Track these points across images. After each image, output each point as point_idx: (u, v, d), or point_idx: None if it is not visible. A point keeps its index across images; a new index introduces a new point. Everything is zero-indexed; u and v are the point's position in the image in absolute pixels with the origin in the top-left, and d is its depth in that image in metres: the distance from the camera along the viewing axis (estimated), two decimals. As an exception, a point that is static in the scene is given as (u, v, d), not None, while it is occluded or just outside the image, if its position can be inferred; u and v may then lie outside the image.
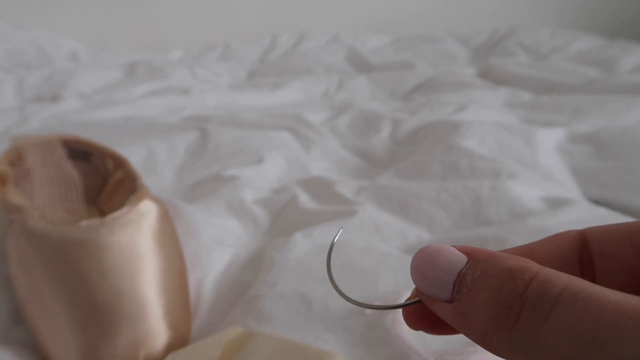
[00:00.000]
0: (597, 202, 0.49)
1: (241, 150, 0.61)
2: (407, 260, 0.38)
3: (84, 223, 0.34)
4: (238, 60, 1.20)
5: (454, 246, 0.16)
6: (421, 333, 0.31)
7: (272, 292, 0.35)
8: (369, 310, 0.33)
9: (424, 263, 0.16)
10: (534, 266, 0.14)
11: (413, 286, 0.18)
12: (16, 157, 0.45)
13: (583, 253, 0.18)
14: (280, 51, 1.25)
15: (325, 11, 1.53)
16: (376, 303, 0.33)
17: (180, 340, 0.32)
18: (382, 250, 0.39)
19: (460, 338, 0.31)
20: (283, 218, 0.47)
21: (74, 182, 0.44)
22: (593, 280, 0.17)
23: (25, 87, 0.88)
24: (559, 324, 0.13)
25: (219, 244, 0.42)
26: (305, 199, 0.49)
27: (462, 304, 0.15)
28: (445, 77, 0.95)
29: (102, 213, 0.46)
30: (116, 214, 0.35)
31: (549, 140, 0.60)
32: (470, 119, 0.65)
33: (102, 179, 0.48)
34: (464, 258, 0.16)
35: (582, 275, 0.18)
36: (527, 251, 0.18)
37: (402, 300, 0.18)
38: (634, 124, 0.64)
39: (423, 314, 0.17)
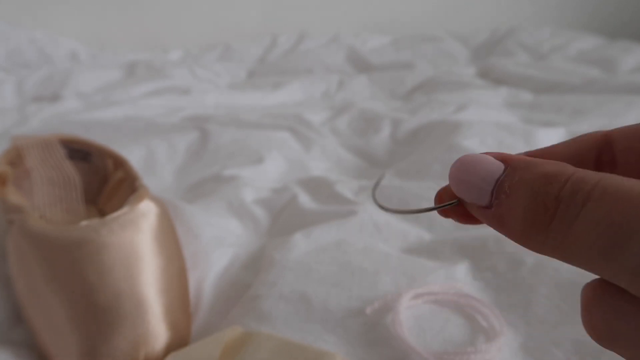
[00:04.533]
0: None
1: (241, 150, 0.61)
2: (407, 260, 0.38)
3: (83, 223, 0.34)
4: (238, 60, 1.20)
5: (489, 153, 0.17)
6: (421, 333, 0.31)
7: (272, 292, 0.35)
8: (368, 310, 0.32)
9: (461, 172, 0.17)
10: (569, 168, 0.15)
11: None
12: (16, 157, 0.45)
13: (604, 152, 0.18)
14: (280, 51, 1.25)
15: (325, 11, 1.53)
16: (376, 303, 0.33)
17: (180, 340, 0.32)
18: (382, 250, 0.39)
19: (460, 338, 0.31)
20: (283, 218, 0.47)
21: (74, 182, 0.44)
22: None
23: (25, 87, 0.88)
24: (589, 219, 0.13)
25: (219, 244, 0.42)
26: (305, 199, 0.49)
27: (501, 208, 0.16)
28: (445, 77, 0.95)
29: (102, 213, 0.46)
30: (116, 214, 0.35)
31: (549, 140, 0.60)
32: (470, 119, 0.65)
33: (102, 179, 0.48)
34: (501, 166, 0.16)
35: (601, 169, 0.18)
36: (546, 152, 0.19)
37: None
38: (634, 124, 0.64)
39: (456, 208, 0.18)
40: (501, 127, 0.62)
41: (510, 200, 0.15)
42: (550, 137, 0.60)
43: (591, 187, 0.14)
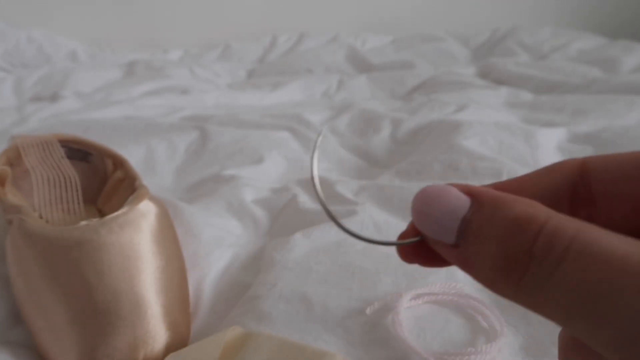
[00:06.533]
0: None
1: (241, 150, 0.61)
2: (408, 260, 0.38)
3: (83, 223, 0.34)
4: (238, 60, 1.20)
5: (456, 185, 0.16)
6: (421, 333, 0.31)
7: (272, 292, 0.35)
8: (368, 311, 0.32)
9: (425, 207, 0.16)
10: (541, 213, 0.13)
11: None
12: (15, 156, 0.45)
13: (580, 185, 0.17)
14: (280, 51, 1.25)
15: (325, 11, 1.53)
16: (376, 303, 0.33)
17: (179, 340, 0.32)
18: (382, 251, 0.39)
19: (461, 338, 0.31)
20: (283, 218, 0.47)
21: (73, 182, 0.44)
22: (593, 214, 0.17)
23: (24, 87, 0.88)
24: (564, 281, 0.12)
25: (218, 244, 0.42)
26: (305, 199, 0.49)
27: (468, 250, 0.15)
28: (446, 76, 0.95)
29: (101, 213, 0.45)
30: (115, 214, 0.34)
31: (550, 140, 0.59)
32: (470, 119, 0.65)
33: (101, 179, 0.48)
34: (467, 201, 0.15)
35: (578, 209, 0.17)
36: (518, 184, 0.17)
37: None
38: (635, 124, 0.64)
39: (419, 249, 0.17)
40: (501, 127, 0.62)
41: (478, 244, 0.14)
42: (550, 137, 0.60)
43: (567, 244, 0.13)
